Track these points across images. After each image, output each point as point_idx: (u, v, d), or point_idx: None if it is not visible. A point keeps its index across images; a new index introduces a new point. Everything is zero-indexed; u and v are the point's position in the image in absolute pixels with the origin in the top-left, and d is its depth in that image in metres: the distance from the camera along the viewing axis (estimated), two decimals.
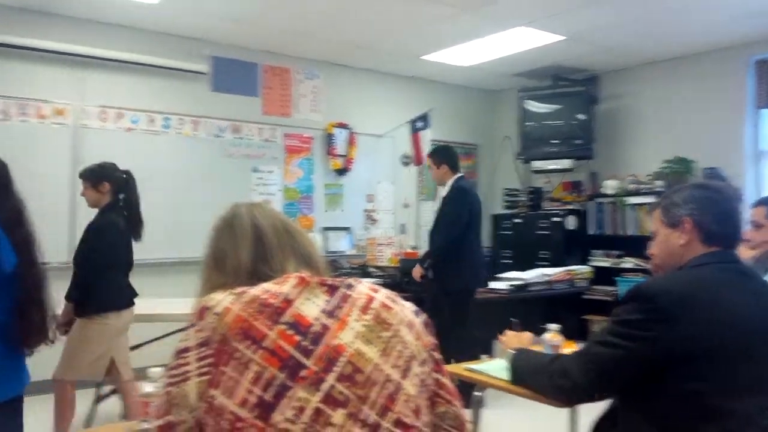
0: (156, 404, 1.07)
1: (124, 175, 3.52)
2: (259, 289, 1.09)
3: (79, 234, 4.82)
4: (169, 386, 1.05)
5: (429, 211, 6.78)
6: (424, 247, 6.28)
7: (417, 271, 4.51)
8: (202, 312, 1.08)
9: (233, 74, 5.71)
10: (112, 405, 4.00)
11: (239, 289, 1.10)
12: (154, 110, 5.27)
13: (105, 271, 3.34)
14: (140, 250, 5.06)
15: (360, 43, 5.66)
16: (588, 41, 5.53)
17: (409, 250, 5.85)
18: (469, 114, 7.37)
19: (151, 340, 4.07)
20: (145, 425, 1.59)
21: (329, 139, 6.23)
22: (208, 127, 5.55)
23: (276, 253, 1.22)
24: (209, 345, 1.04)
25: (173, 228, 5.24)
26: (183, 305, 3.73)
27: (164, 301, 4.12)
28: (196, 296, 1.20)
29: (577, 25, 5.09)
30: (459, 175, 4.58)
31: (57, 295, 3.86)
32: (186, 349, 1.06)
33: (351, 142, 6.33)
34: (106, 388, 3.91)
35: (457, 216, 4.38)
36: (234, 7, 4.78)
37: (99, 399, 3.84)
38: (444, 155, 4.58)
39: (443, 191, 4.59)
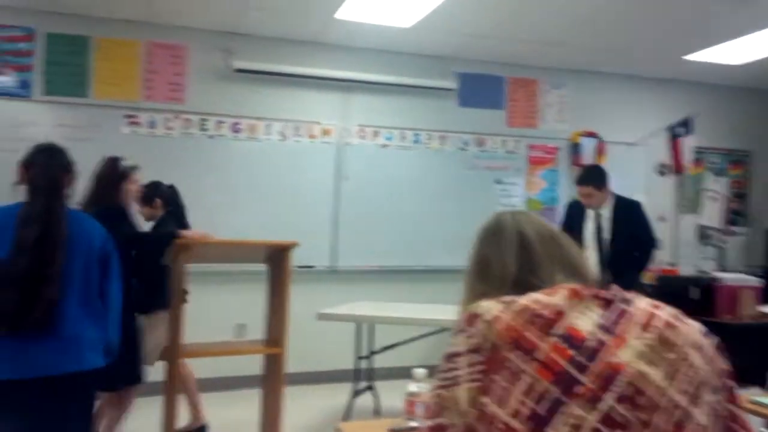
0: (427, 405, 1.10)
1: (170, 189, 3.94)
2: (529, 299, 1.06)
3: (342, 241, 5.34)
4: (440, 389, 1.07)
5: (689, 225, 6.18)
6: (682, 264, 5.74)
7: None
8: (471, 319, 1.09)
9: (479, 89, 5.82)
10: (367, 400, 4.30)
11: (508, 298, 1.08)
12: (405, 127, 5.60)
13: (165, 274, 3.62)
14: (389, 258, 5.43)
15: (614, 47, 5.37)
16: None
17: (667, 267, 5.36)
18: (741, 117, 6.54)
19: (400, 343, 4.30)
20: (412, 423, 1.69)
21: (575, 148, 6.01)
22: (454, 141, 5.72)
23: (543, 262, 1.18)
24: (480, 352, 1.04)
25: (421, 238, 5.52)
26: (430, 311, 3.90)
27: (412, 306, 4.32)
28: (460, 303, 1.22)
29: None
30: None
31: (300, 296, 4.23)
32: (456, 354, 1.07)
33: (600, 151, 6.03)
34: (362, 384, 4.21)
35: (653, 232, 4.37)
36: (481, 24, 4.87)
37: (356, 393, 4.13)
38: (606, 177, 4.29)
39: (604, 210, 4.27)
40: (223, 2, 4.58)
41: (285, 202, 5.17)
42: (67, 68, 4.82)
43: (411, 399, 1.73)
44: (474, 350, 1.04)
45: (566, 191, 6.00)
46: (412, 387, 1.74)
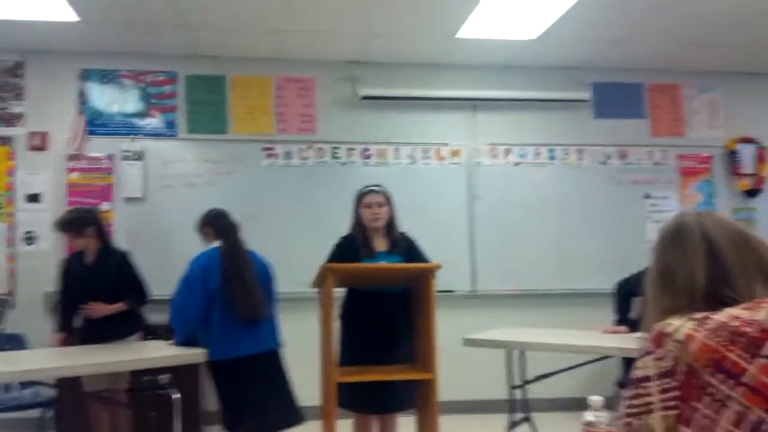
0: None
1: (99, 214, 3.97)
2: (726, 315, 0.91)
3: (480, 264, 5.15)
4: (630, 417, 0.94)
5: None
6: None
7: None
8: (659, 338, 0.94)
9: (616, 98, 5.50)
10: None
11: (699, 315, 0.94)
12: (539, 143, 5.37)
13: None
14: (530, 281, 5.17)
15: None
16: None
17: None
18: None
19: (556, 372, 4.01)
20: None
21: (732, 156, 5.47)
22: (593, 154, 5.41)
23: (738, 271, 1.00)
24: (673, 376, 0.90)
25: (564, 259, 5.23)
26: (587, 337, 3.61)
27: (564, 332, 4.03)
28: (645, 319, 1.07)
29: None
30: None
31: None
32: (646, 378, 0.93)
33: (761, 158, 5.47)
34: (518, 415, 3.95)
35: None
36: (615, 30, 4.60)
37: (512, 425, 3.88)
38: None
39: None
40: (347, 33, 4.67)
41: (419, 226, 5.04)
42: (207, 107, 5.09)
43: (589, 429, 1.55)
44: (666, 374, 0.90)
45: (726, 203, 5.46)
46: (589, 416, 1.56)
